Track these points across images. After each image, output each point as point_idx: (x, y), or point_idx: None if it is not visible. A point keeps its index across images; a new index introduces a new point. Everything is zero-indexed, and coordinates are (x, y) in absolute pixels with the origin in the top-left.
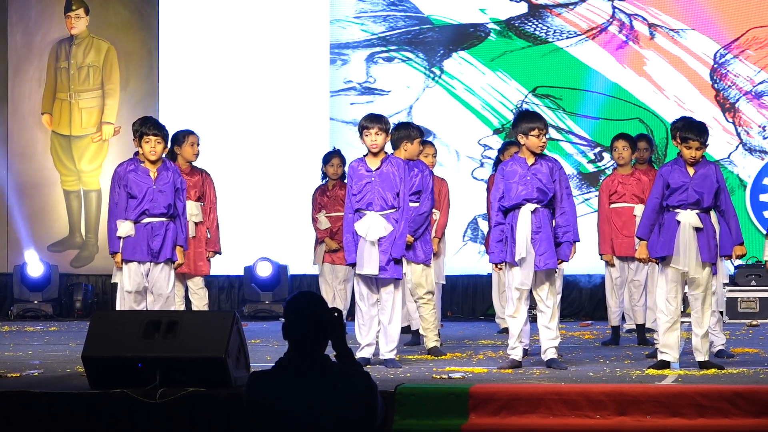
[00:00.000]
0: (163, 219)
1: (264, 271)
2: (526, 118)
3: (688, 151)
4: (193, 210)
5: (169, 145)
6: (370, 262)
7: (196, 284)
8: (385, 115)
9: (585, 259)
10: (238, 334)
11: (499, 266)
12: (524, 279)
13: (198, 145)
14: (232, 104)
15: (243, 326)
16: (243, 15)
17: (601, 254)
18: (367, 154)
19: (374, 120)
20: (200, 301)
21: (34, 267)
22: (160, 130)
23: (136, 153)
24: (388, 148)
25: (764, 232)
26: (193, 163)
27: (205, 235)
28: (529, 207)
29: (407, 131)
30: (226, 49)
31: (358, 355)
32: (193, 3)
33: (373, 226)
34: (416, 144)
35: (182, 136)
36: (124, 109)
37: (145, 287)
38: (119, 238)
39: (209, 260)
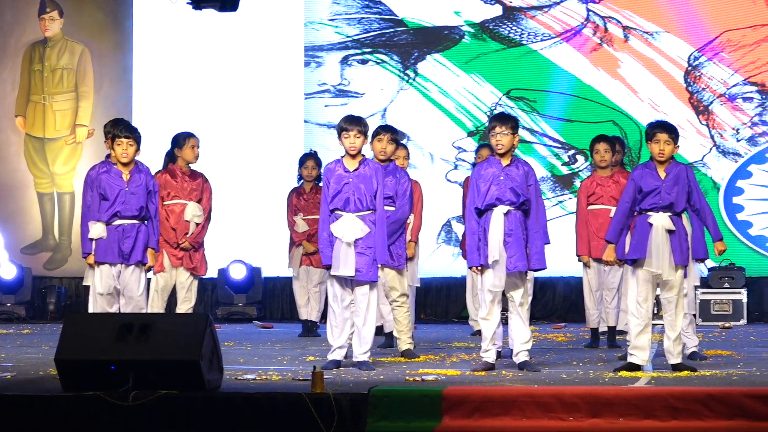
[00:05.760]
0: (135, 221)
1: (238, 273)
2: (490, 120)
3: (656, 146)
4: (195, 211)
5: (140, 147)
6: (346, 263)
7: (187, 286)
8: (364, 117)
9: (558, 261)
10: (211, 336)
11: (477, 269)
12: (497, 281)
13: (198, 147)
14: (206, 107)
15: (216, 329)
16: (217, 18)
17: (578, 255)
18: (344, 156)
19: (353, 122)
20: (187, 303)
21: (6, 269)
22: (132, 132)
23: (108, 155)
24: (366, 151)
25: (740, 236)
26: (194, 168)
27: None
28: (502, 209)
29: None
30: (200, 52)
31: (330, 357)
32: (167, 5)
33: (349, 227)
34: (376, 140)
35: (183, 138)
36: (98, 112)
37: (117, 289)
38: (91, 240)
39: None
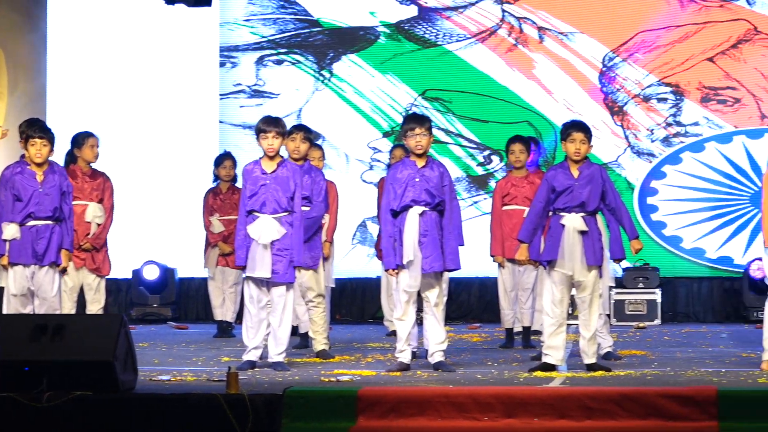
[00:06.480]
0: (49, 222)
1: (150, 274)
2: (404, 121)
3: (572, 145)
4: (96, 212)
5: (54, 148)
6: (262, 264)
7: (95, 287)
8: (282, 118)
9: (473, 262)
10: (125, 337)
11: (394, 271)
12: (412, 282)
13: (98, 147)
14: (121, 107)
15: (131, 329)
16: (132, 18)
17: (492, 256)
18: (262, 157)
19: (271, 123)
20: (96, 304)
21: None
22: (45, 132)
23: (23, 156)
24: (281, 151)
25: (654, 236)
26: (95, 167)
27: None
28: (417, 210)
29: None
30: (115, 52)
31: (245, 358)
32: (82, 6)
33: (265, 229)
34: (289, 139)
35: (81, 138)
36: (12, 113)
37: (31, 290)
38: (5, 241)
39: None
